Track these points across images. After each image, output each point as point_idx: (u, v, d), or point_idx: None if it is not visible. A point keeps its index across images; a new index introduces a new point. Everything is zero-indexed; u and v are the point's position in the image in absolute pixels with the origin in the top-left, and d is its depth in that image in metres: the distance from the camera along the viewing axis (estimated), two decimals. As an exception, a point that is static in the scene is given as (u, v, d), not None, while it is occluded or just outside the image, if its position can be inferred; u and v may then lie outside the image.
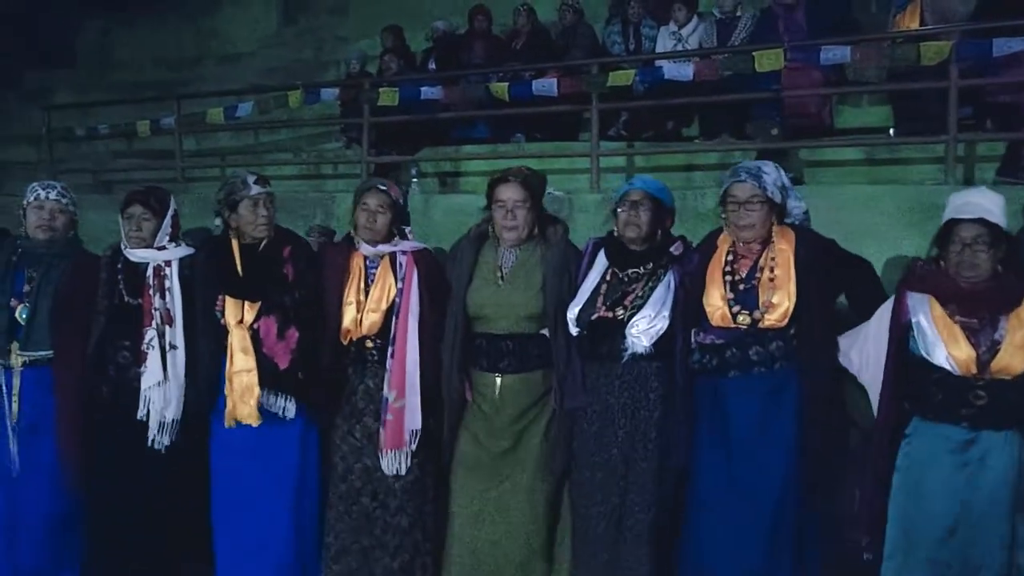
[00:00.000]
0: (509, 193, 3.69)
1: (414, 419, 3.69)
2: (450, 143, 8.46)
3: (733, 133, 7.27)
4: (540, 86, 7.35)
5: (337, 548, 3.79)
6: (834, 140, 6.84)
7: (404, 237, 3.88)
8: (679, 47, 7.56)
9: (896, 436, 3.18)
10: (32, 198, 3.96)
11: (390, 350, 3.70)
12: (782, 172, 3.53)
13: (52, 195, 3.97)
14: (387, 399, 3.69)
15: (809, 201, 5.28)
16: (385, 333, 3.75)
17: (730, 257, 3.51)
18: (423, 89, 7.84)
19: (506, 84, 7.55)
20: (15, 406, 3.86)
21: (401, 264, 3.80)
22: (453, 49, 8.89)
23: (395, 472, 3.71)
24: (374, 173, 8.06)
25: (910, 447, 3.15)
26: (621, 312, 3.51)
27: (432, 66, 8.83)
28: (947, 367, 3.02)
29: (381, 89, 7.93)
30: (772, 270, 3.40)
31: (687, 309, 3.51)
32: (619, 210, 3.64)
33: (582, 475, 3.61)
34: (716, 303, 3.43)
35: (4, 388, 3.87)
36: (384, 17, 10.15)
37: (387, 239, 3.82)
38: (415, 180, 8.14)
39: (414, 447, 3.70)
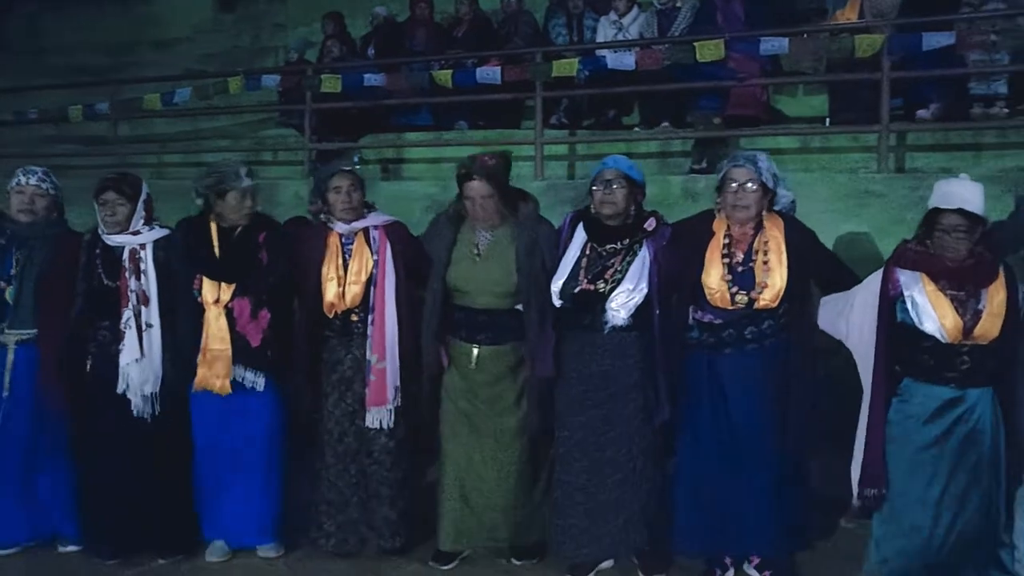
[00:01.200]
0: (476, 190, 3.90)
1: (395, 376, 4.00)
2: (392, 130, 8.45)
3: (673, 121, 7.41)
4: (484, 74, 7.39)
5: (339, 502, 4.10)
6: (771, 128, 7.01)
7: (372, 208, 4.17)
8: (620, 36, 7.65)
9: (889, 395, 3.57)
10: (14, 183, 4.16)
11: (370, 318, 4.01)
12: (772, 162, 3.79)
13: (32, 180, 4.16)
14: (370, 362, 3.99)
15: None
16: (367, 305, 4.03)
17: (727, 241, 3.76)
18: (366, 76, 7.82)
19: (449, 72, 7.57)
20: (6, 381, 4.08)
21: (375, 238, 4.07)
22: (394, 36, 8.86)
23: (379, 426, 4.02)
24: (316, 159, 8.05)
25: (904, 404, 3.55)
26: (602, 285, 3.77)
27: (371, 52, 8.78)
28: (937, 336, 3.42)
29: (323, 76, 7.89)
30: (766, 254, 3.71)
31: (679, 287, 3.81)
32: (595, 188, 3.86)
33: (563, 433, 3.91)
34: (716, 284, 3.71)
35: None
36: (322, 4, 10.05)
37: (361, 214, 4.08)
38: (357, 167, 8.09)
39: (396, 403, 4.01)
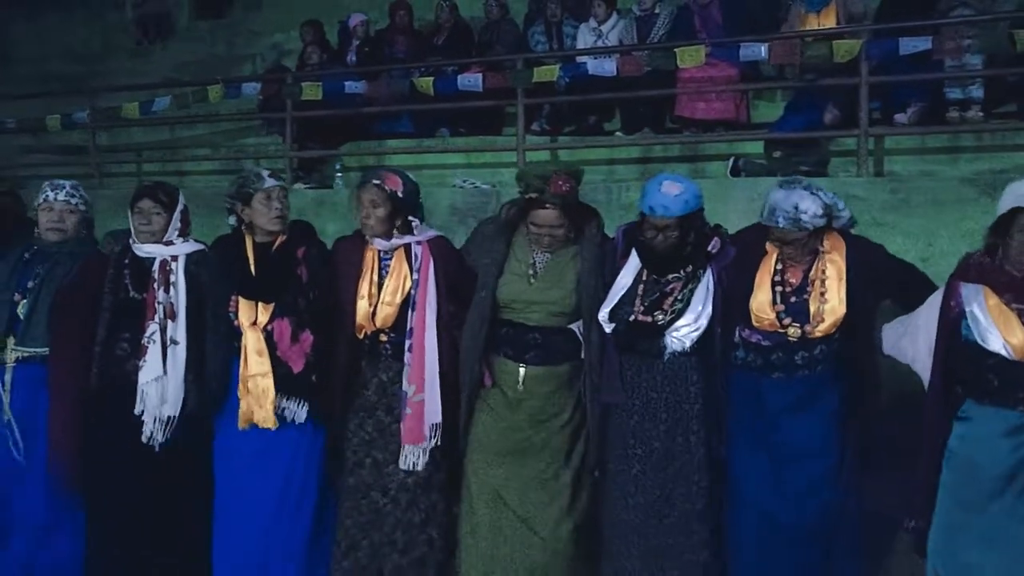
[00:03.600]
0: (547, 219, 3.56)
1: (434, 413, 3.59)
2: (373, 138, 8.46)
3: (654, 127, 7.48)
4: (465, 81, 7.43)
5: (347, 544, 3.69)
6: (750, 133, 7.12)
7: (409, 229, 3.72)
8: (599, 43, 7.72)
9: (947, 419, 3.22)
10: (42, 199, 3.91)
11: (408, 343, 3.60)
12: (821, 193, 3.39)
13: (60, 196, 3.90)
14: (406, 393, 3.59)
15: (731, 193, 5.54)
16: (399, 326, 3.66)
17: (779, 266, 3.46)
18: (346, 83, 7.83)
19: (431, 79, 7.59)
20: (6, 403, 3.81)
21: (416, 255, 3.68)
22: (374, 44, 8.87)
23: (411, 467, 3.62)
24: (297, 168, 8.04)
25: (965, 428, 3.18)
26: (660, 317, 3.45)
27: (352, 59, 8.77)
28: (1003, 353, 3.07)
29: (304, 83, 7.88)
30: (823, 283, 3.39)
31: (729, 306, 3.47)
32: (645, 228, 3.48)
33: (619, 467, 3.57)
34: (765, 312, 3.41)
35: None
36: (297, 11, 10.07)
37: (388, 232, 3.69)
38: (339, 175, 8.12)
39: (434, 442, 3.61)
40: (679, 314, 3.45)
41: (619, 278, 3.54)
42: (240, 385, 3.58)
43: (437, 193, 6.83)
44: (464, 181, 7.23)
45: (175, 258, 3.73)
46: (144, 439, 3.58)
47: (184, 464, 3.67)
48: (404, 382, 3.61)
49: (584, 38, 7.89)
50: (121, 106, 8.71)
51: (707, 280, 3.48)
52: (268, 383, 3.55)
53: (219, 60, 11.21)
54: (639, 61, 6.91)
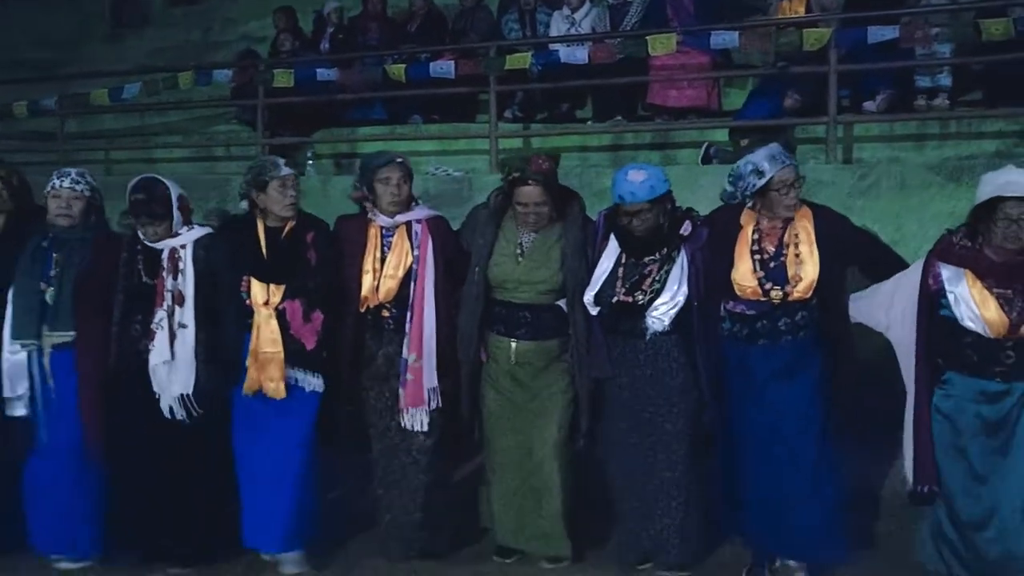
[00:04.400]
0: (529, 196, 3.79)
1: (431, 378, 3.90)
2: (346, 125, 8.44)
3: (626, 115, 7.50)
4: (438, 68, 7.42)
5: (387, 501, 4.06)
6: (720, 121, 7.15)
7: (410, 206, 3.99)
8: (573, 31, 7.71)
9: (931, 387, 3.48)
10: (49, 187, 4.02)
11: (408, 315, 3.89)
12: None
13: (66, 183, 4.00)
14: (406, 360, 3.89)
15: (701, 180, 5.56)
16: (400, 300, 3.92)
17: (756, 235, 3.69)
18: (319, 71, 7.80)
19: (403, 66, 7.58)
20: (48, 384, 3.98)
21: (417, 232, 3.95)
22: (348, 31, 8.83)
23: (415, 428, 3.94)
24: (269, 154, 7.99)
25: (948, 394, 3.46)
26: (640, 296, 3.70)
27: (325, 46, 8.74)
28: (980, 332, 3.32)
29: (276, 71, 7.84)
30: (797, 246, 3.63)
31: (713, 282, 3.70)
32: (622, 218, 3.71)
33: (615, 430, 3.87)
34: (747, 281, 3.64)
35: (37, 369, 3.98)
36: (271, -1, 10.03)
37: (407, 210, 3.96)
38: (311, 162, 8.09)
39: (434, 404, 3.92)
40: (657, 293, 3.70)
41: (600, 262, 3.79)
42: (249, 356, 3.84)
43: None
44: (437, 168, 7.22)
45: (183, 246, 3.92)
46: (166, 415, 3.84)
47: (199, 436, 3.88)
48: (404, 350, 3.90)
49: (557, 26, 7.88)
50: (90, 93, 8.64)
51: (681, 260, 3.72)
52: (279, 358, 3.82)
53: (194, 47, 11.13)
54: (611, 49, 6.91)
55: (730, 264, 3.68)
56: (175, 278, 3.86)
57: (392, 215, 3.93)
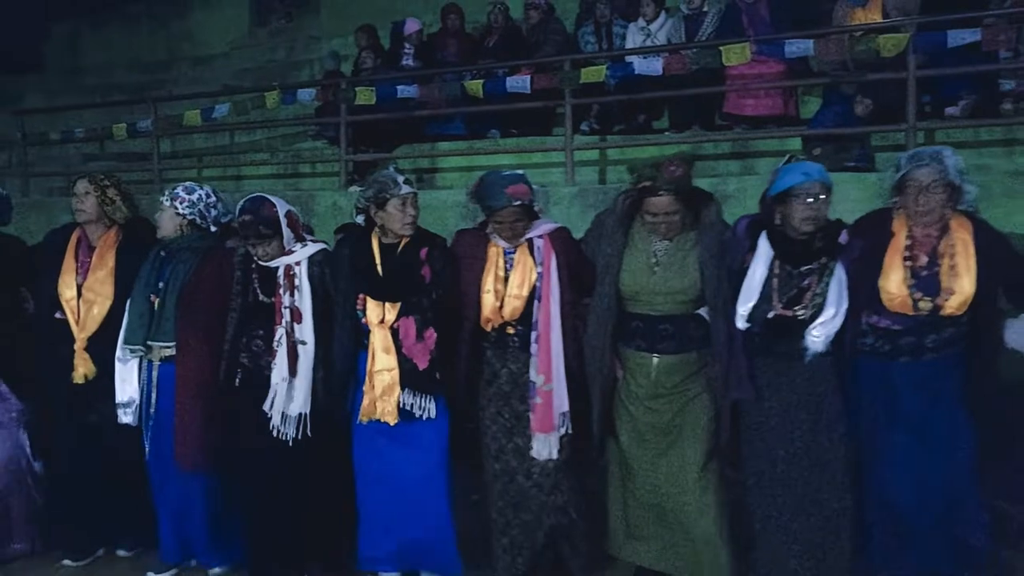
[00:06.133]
0: (661, 206, 3.53)
1: (562, 402, 3.69)
2: (426, 140, 8.60)
3: (703, 124, 7.50)
4: (513, 83, 7.53)
5: (502, 523, 3.85)
6: (796, 129, 7.07)
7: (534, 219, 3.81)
8: (648, 42, 7.76)
9: None
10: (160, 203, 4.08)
11: (534, 335, 3.69)
12: (959, 157, 3.41)
13: (165, 201, 4.04)
14: (534, 384, 3.69)
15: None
16: (525, 318, 3.74)
17: (908, 243, 3.44)
18: (399, 88, 7.97)
19: (481, 82, 7.71)
20: (153, 399, 4.00)
21: (539, 248, 3.74)
22: (427, 48, 9.02)
23: (546, 456, 3.71)
24: (352, 171, 8.21)
25: None
26: (802, 312, 3.44)
27: (408, 63, 8.93)
28: None
29: (358, 88, 8.05)
30: (952, 257, 3.38)
31: (856, 294, 3.46)
32: (796, 202, 3.41)
33: (761, 466, 3.58)
34: (897, 289, 3.40)
35: (146, 380, 4.01)
36: (354, 16, 10.27)
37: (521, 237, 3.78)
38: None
39: (564, 430, 3.70)
40: (819, 308, 3.43)
41: (751, 273, 3.51)
42: (366, 380, 3.73)
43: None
44: (515, 181, 7.29)
45: (298, 263, 3.85)
46: (275, 433, 3.76)
47: (316, 454, 3.81)
48: (532, 372, 3.70)
49: (633, 38, 7.94)
50: (183, 114, 9.00)
51: (839, 274, 3.46)
52: (394, 378, 3.70)
53: (278, 66, 11.48)
54: (685, 60, 6.94)
55: (878, 272, 3.43)
56: (292, 295, 3.80)
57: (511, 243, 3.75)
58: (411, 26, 9.08)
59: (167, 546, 4.10)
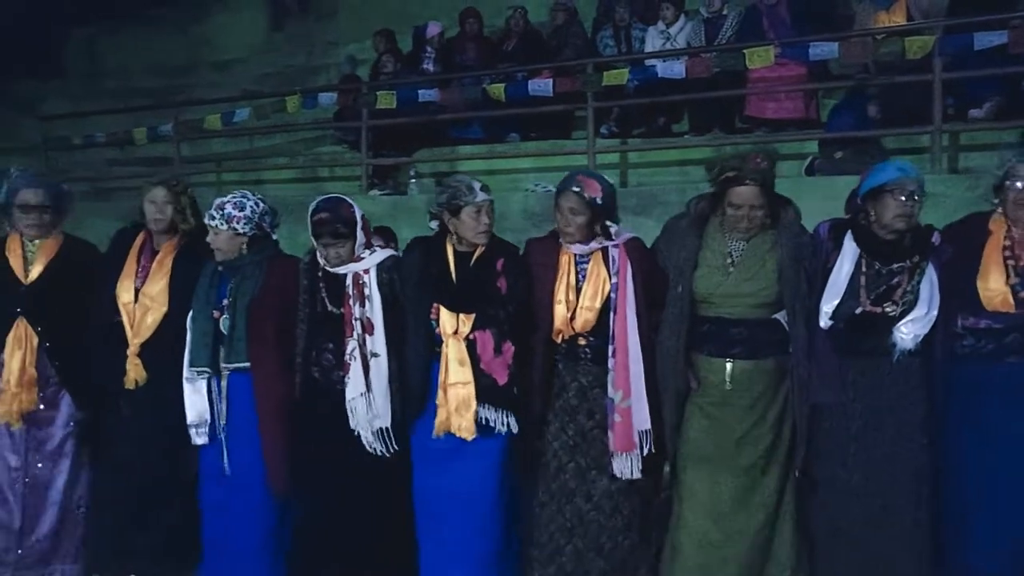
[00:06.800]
0: (747, 197, 3.41)
1: (642, 419, 3.51)
2: (446, 144, 8.61)
3: (723, 127, 7.50)
4: (536, 86, 7.54)
5: (551, 549, 3.64)
6: (819, 132, 7.06)
7: (607, 232, 3.65)
8: (668, 45, 7.77)
9: None
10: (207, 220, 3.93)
11: (611, 348, 3.54)
12: None
13: (220, 224, 3.83)
14: (612, 400, 3.53)
15: (805, 192, 5.53)
16: (598, 330, 3.60)
17: (1007, 242, 3.37)
18: (420, 92, 7.99)
19: (502, 85, 7.73)
20: (223, 409, 3.87)
21: (614, 258, 3.59)
22: (446, 51, 9.04)
23: (627, 476, 3.53)
24: (372, 175, 8.24)
25: None
26: (891, 308, 3.37)
27: (426, 66, 8.95)
28: None
29: (379, 92, 8.08)
30: None
31: (949, 296, 3.40)
32: (889, 199, 3.36)
33: (835, 473, 3.46)
34: (998, 287, 3.31)
35: (215, 392, 3.88)
36: (371, 21, 10.29)
37: (587, 238, 3.62)
38: (413, 181, 8.29)
39: (647, 450, 3.52)
40: (911, 306, 3.37)
41: (837, 270, 3.45)
42: (439, 392, 3.59)
43: (510, 197, 6.98)
44: (537, 185, 7.33)
45: (367, 271, 3.74)
46: (368, 449, 3.67)
47: (390, 468, 3.71)
48: (609, 388, 3.55)
49: (652, 41, 7.96)
50: (204, 118, 9.05)
51: (931, 274, 3.40)
52: (469, 392, 3.55)
53: (297, 71, 11.51)
54: (708, 62, 6.94)
55: (974, 273, 3.35)
56: (362, 305, 3.68)
57: (571, 244, 3.65)
58: (432, 29, 9.12)
59: (214, 562, 3.96)
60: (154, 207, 4.01)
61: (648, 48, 7.91)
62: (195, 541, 3.97)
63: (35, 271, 4.07)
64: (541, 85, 7.52)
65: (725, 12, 7.67)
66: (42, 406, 4.05)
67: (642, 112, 8.08)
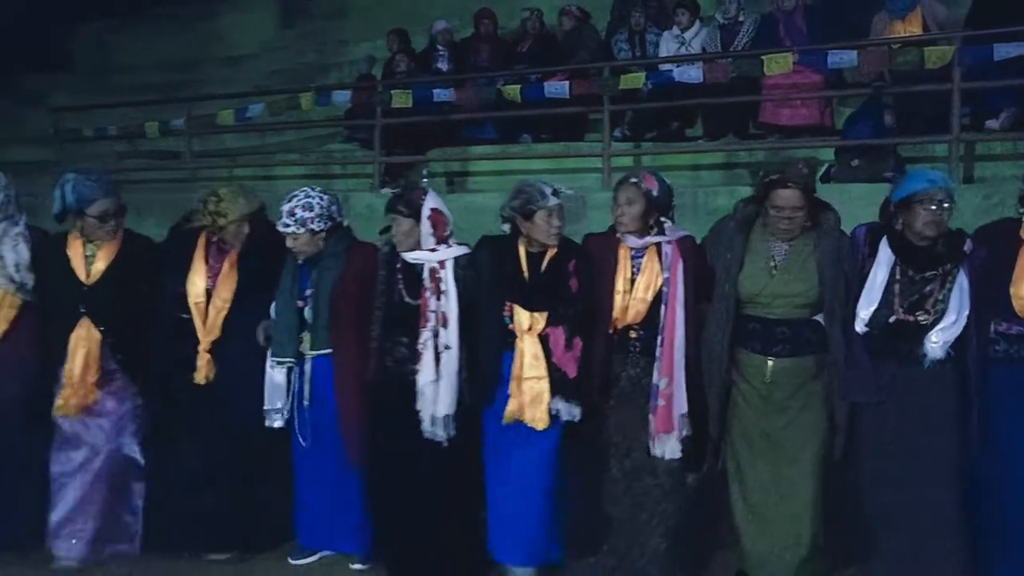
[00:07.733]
0: (789, 199, 3.61)
1: (681, 404, 3.73)
2: (458, 144, 8.64)
3: (737, 133, 7.52)
4: (552, 88, 7.55)
5: (621, 519, 3.88)
6: (835, 140, 7.05)
7: (661, 228, 3.85)
8: (683, 50, 7.80)
9: None
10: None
11: (659, 338, 3.75)
12: None
13: (292, 228, 3.96)
14: (657, 386, 3.75)
15: (825, 199, 5.55)
16: (647, 322, 3.81)
17: None
18: (435, 91, 8.01)
19: (518, 86, 7.75)
20: (307, 390, 4.08)
21: (667, 254, 3.80)
22: (459, 51, 9.06)
23: (665, 456, 3.76)
24: (385, 173, 8.24)
25: None
26: (924, 316, 3.50)
27: (440, 65, 8.96)
28: None
29: (394, 91, 8.10)
30: None
31: (982, 302, 3.49)
32: (919, 208, 3.46)
33: (877, 465, 3.60)
34: None
35: (298, 374, 4.07)
36: (382, 20, 10.32)
37: (641, 230, 3.83)
38: (425, 179, 8.30)
39: (685, 432, 3.74)
40: (941, 314, 3.48)
41: (872, 277, 3.58)
42: (512, 383, 3.78)
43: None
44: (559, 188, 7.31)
45: (443, 264, 3.88)
46: (425, 435, 3.84)
47: (461, 452, 3.89)
48: (655, 375, 3.76)
49: (667, 45, 7.98)
50: (216, 113, 9.05)
51: (961, 281, 3.50)
52: (544, 387, 3.74)
53: (308, 68, 11.54)
54: (726, 68, 6.97)
55: (1008, 281, 3.43)
56: (438, 298, 3.84)
57: (625, 235, 3.84)
58: (438, 25, 9.20)
59: (308, 533, 4.22)
60: (216, 218, 4.08)
61: (663, 53, 7.94)
62: (285, 516, 4.25)
63: (96, 270, 4.16)
64: (557, 87, 7.53)
65: (741, 19, 7.71)
66: (103, 398, 4.16)
67: (655, 116, 8.10)
